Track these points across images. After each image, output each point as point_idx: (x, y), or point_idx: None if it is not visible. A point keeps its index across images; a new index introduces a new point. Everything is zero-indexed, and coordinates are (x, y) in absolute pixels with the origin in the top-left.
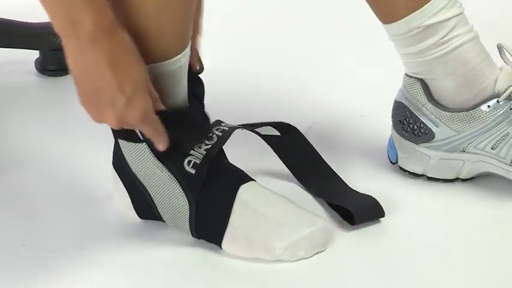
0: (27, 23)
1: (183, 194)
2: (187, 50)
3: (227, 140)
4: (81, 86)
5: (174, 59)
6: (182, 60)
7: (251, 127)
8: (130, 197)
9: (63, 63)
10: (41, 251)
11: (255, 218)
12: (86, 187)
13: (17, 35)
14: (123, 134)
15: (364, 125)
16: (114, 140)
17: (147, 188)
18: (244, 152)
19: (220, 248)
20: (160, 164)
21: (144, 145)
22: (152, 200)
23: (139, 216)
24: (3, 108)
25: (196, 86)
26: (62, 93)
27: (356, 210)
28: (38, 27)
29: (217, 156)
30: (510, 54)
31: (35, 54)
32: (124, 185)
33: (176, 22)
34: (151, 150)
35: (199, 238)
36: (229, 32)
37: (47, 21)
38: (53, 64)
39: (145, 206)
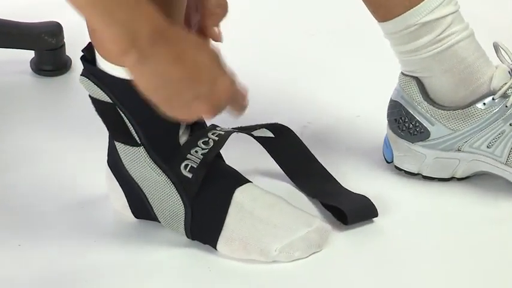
0: (23, 23)
1: (179, 197)
2: None
3: (223, 144)
4: (159, 96)
5: None
6: None
7: (246, 130)
8: (126, 196)
9: (58, 63)
10: (36, 251)
11: (251, 220)
12: (82, 187)
13: (13, 35)
14: (120, 137)
15: (360, 125)
16: (109, 139)
17: (143, 189)
18: (240, 152)
19: (215, 249)
20: (157, 168)
21: (141, 149)
22: (148, 201)
23: (135, 215)
24: None
25: None
26: (57, 94)
27: (349, 210)
28: (33, 27)
29: (213, 158)
30: (506, 53)
31: (30, 54)
32: (120, 185)
33: None
34: (149, 154)
35: (194, 239)
36: (225, 32)
37: (42, 21)
38: (48, 64)
39: (141, 206)
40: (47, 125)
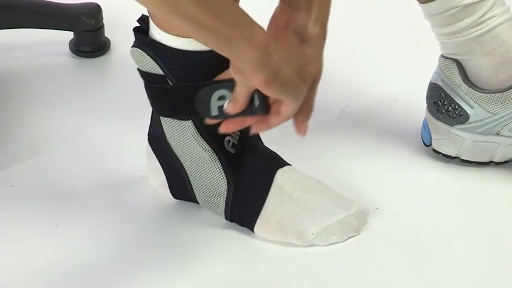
0: (62, 4)
1: (223, 174)
2: None
3: None
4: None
5: None
6: None
7: None
8: (165, 175)
9: (97, 44)
10: (73, 233)
11: (289, 203)
12: (120, 168)
13: (52, 16)
14: (168, 111)
15: (398, 109)
16: (151, 117)
17: (185, 167)
18: (278, 136)
19: (253, 231)
20: (204, 143)
21: (189, 123)
22: (188, 180)
23: (173, 195)
24: (38, 88)
25: None
26: (96, 74)
27: None
28: (72, 8)
29: (253, 139)
30: None
31: (69, 35)
32: (160, 163)
33: None
34: (197, 129)
35: (232, 221)
36: (260, 13)
37: (81, 2)
38: (86, 45)
39: (180, 186)
40: (86, 106)
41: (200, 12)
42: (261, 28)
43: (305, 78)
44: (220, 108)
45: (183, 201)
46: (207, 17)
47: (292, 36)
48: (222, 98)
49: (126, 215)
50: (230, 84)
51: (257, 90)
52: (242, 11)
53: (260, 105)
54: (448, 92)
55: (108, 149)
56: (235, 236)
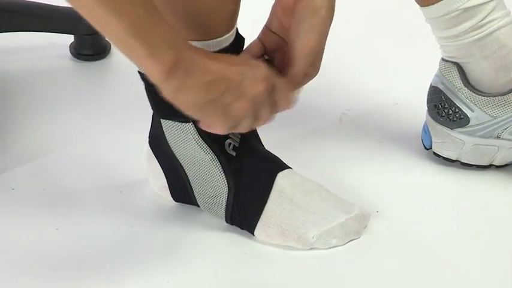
0: (63, 7)
1: (224, 176)
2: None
3: None
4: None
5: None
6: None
7: None
8: (166, 178)
9: (97, 47)
10: (74, 235)
11: (290, 207)
12: (121, 171)
13: (52, 19)
14: (168, 114)
15: (398, 112)
16: (152, 120)
17: (185, 169)
18: (278, 139)
19: (253, 235)
20: (204, 145)
21: (190, 125)
22: (189, 183)
23: (173, 198)
24: (38, 92)
25: None
26: (96, 78)
27: None
28: (73, 11)
29: (254, 142)
30: None
31: (69, 38)
32: (160, 166)
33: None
34: (197, 131)
35: (232, 224)
36: (262, 18)
37: None
38: (87, 49)
39: (180, 189)
40: (86, 109)
41: (105, 14)
42: (173, 50)
43: (230, 112)
44: None
45: (184, 204)
46: (112, 20)
47: (256, 68)
48: None
49: (127, 218)
50: None
51: None
52: (163, 27)
53: None
54: (448, 95)
55: (109, 152)
56: (235, 239)
